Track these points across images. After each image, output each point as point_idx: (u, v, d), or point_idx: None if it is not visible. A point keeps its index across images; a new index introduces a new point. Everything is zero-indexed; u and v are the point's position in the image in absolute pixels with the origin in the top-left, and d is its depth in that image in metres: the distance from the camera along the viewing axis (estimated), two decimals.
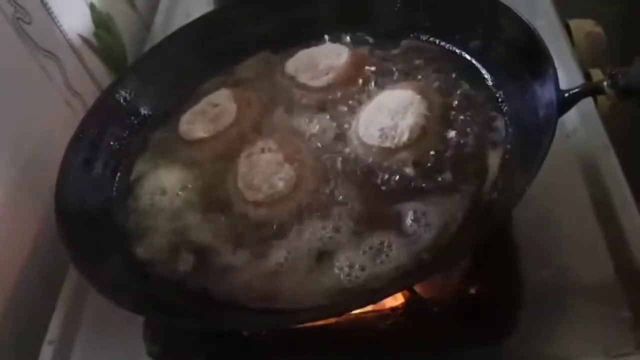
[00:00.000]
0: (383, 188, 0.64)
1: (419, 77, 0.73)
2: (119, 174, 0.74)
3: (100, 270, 0.61)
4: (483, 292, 0.61)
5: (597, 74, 0.84)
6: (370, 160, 0.66)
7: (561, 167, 0.71)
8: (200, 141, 0.73)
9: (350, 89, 0.74)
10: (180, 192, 0.70)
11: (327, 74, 0.76)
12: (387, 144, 0.65)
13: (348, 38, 0.80)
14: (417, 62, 0.75)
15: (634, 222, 0.66)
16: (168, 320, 0.62)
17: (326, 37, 0.81)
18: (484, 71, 0.71)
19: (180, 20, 0.92)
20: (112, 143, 0.75)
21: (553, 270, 0.65)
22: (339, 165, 0.67)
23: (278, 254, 0.62)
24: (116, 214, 0.70)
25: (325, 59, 0.77)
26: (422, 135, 0.65)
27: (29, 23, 0.81)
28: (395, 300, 0.60)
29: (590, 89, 0.61)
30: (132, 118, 0.78)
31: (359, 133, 0.68)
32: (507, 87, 0.68)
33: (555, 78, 0.59)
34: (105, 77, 0.97)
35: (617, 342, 0.59)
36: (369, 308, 0.60)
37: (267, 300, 0.59)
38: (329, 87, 0.75)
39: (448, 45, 0.75)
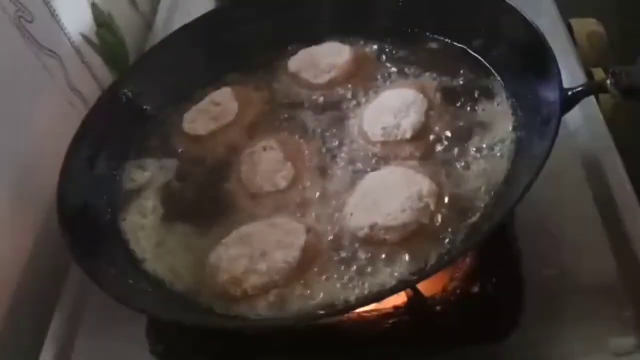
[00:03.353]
0: None
1: (421, 75, 0.73)
2: (121, 172, 0.74)
3: (103, 268, 0.61)
4: (485, 291, 0.61)
5: (598, 73, 0.84)
6: (373, 158, 0.66)
7: (564, 167, 0.70)
8: (203, 139, 0.74)
9: (352, 87, 0.74)
10: (182, 190, 0.70)
11: (329, 72, 0.76)
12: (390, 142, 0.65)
13: (350, 36, 0.80)
14: (419, 60, 0.75)
15: (637, 222, 0.66)
16: (171, 319, 0.62)
17: (328, 35, 0.80)
18: (486, 69, 0.71)
19: (181, 19, 0.91)
20: (114, 141, 0.75)
21: (555, 269, 0.65)
22: (341, 163, 0.67)
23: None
24: (119, 212, 0.70)
25: (327, 57, 0.77)
26: (424, 133, 0.65)
27: (31, 22, 0.81)
28: (398, 298, 0.60)
29: (593, 88, 0.61)
30: (135, 116, 0.78)
31: (362, 131, 0.68)
32: (509, 86, 0.68)
33: (559, 76, 0.59)
34: (106, 76, 0.96)
35: (620, 341, 0.59)
36: (372, 307, 0.60)
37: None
38: (331, 85, 0.75)
39: (451, 43, 0.75)
